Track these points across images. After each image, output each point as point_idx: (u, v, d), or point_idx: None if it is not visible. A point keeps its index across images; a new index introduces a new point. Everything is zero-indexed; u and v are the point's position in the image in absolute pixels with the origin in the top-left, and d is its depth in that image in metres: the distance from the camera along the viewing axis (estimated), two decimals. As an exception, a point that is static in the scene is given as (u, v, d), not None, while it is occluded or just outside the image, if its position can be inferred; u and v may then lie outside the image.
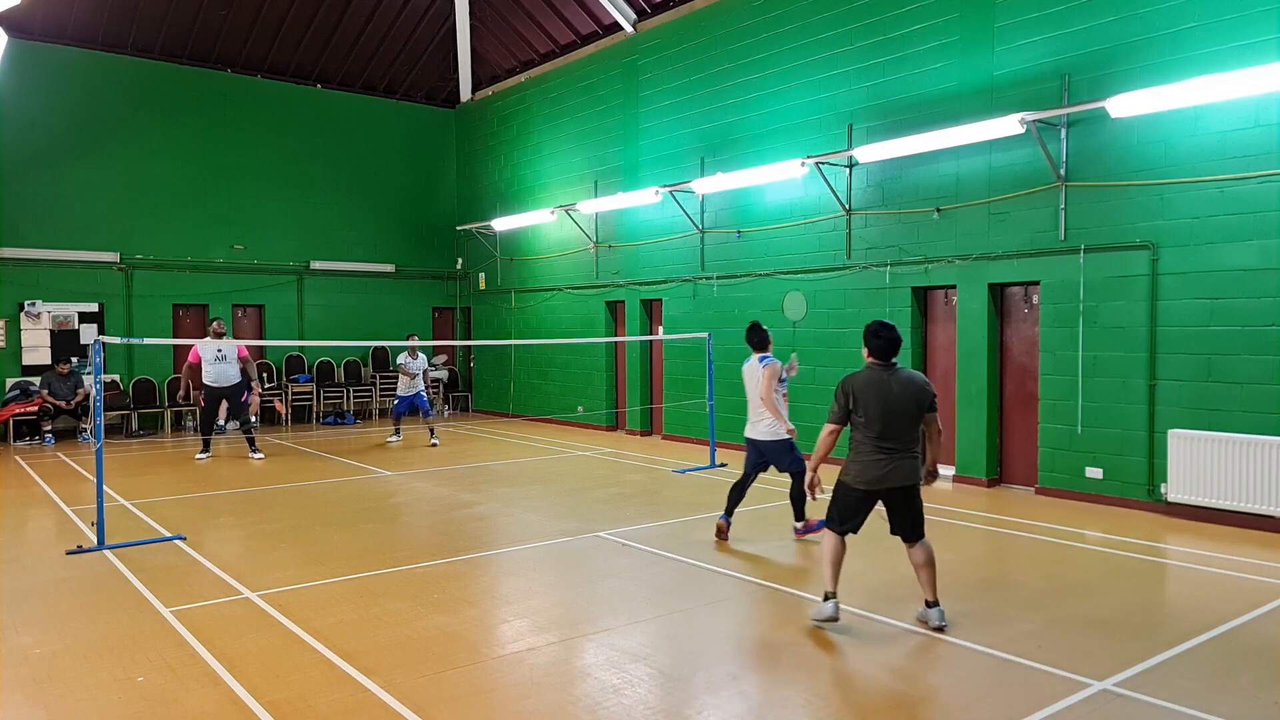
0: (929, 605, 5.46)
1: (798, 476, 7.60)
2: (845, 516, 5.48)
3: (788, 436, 7.52)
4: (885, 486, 5.37)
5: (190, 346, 13.00)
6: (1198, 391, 8.40)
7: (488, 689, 4.62)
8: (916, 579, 5.54)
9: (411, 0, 17.40)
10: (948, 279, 10.49)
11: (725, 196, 13.16)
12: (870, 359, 5.42)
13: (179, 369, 16.33)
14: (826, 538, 5.54)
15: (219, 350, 12.49)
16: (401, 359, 14.20)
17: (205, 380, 12.54)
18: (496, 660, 5.02)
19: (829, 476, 5.79)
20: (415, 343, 14.11)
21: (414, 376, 14.17)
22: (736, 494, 7.75)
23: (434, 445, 13.84)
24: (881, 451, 5.30)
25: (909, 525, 5.50)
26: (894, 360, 5.41)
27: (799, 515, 7.69)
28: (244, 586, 6.37)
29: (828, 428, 5.40)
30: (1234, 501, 8.07)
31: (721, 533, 7.66)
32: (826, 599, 5.44)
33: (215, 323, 12.75)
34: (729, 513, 7.72)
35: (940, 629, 5.36)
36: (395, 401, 14.75)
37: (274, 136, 17.65)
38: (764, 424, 7.56)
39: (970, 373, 10.31)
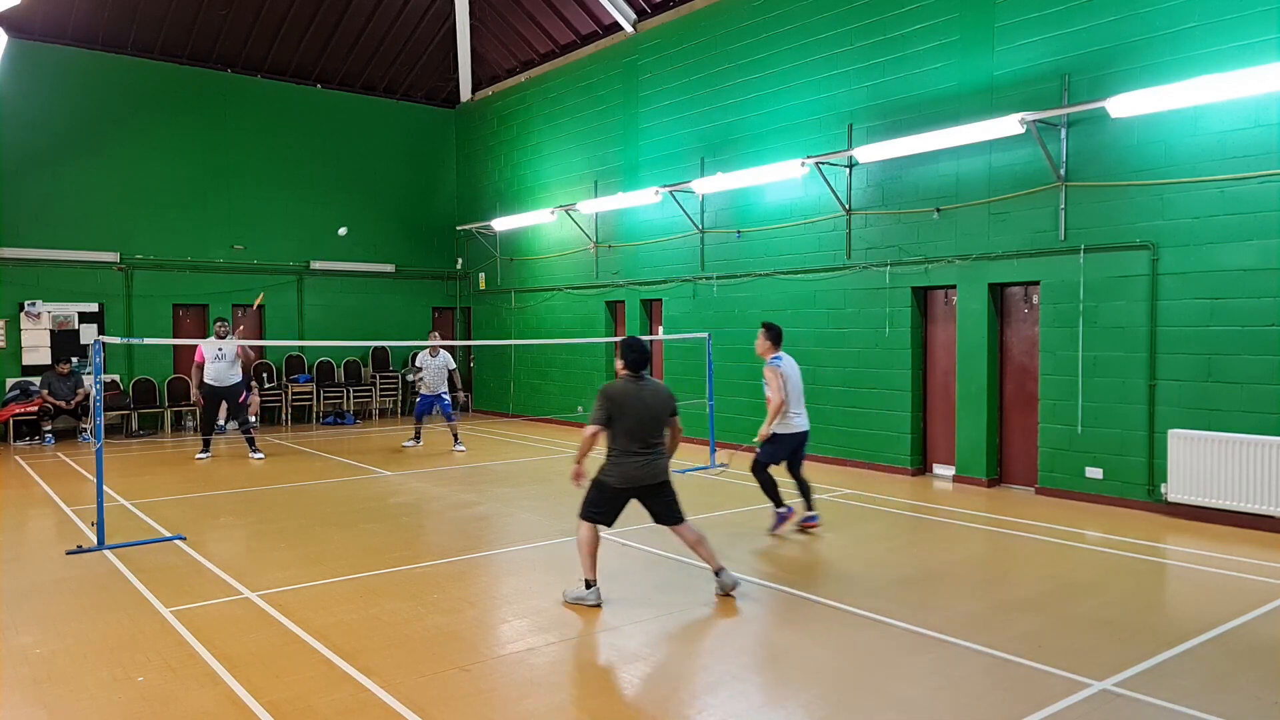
0: (719, 573, 6.10)
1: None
2: (601, 508, 6.00)
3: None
4: (640, 485, 5.94)
5: (195, 346, 12.96)
6: (1198, 391, 8.40)
7: (488, 689, 4.62)
8: (698, 556, 6.22)
9: (411, 0, 17.41)
10: (948, 279, 10.49)
11: (725, 196, 13.16)
12: (624, 371, 6.01)
13: (180, 369, 16.39)
14: (582, 528, 5.99)
15: (219, 349, 12.51)
16: (420, 357, 13.41)
17: (206, 379, 12.56)
18: (496, 660, 5.02)
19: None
20: (436, 340, 12.98)
21: (427, 376, 13.24)
22: (802, 487, 8.16)
23: (459, 451, 13.08)
24: (637, 454, 5.88)
25: (666, 513, 6.11)
26: (643, 372, 6.04)
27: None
28: (244, 586, 6.38)
29: (591, 428, 5.91)
30: (1234, 501, 8.07)
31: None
32: (589, 586, 5.88)
33: (218, 323, 12.80)
34: (809, 505, 8.10)
35: (735, 585, 6.07)
36: (417, 400, 13.65)
37: (274, 136, 17.65)
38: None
39: (970, 373, 10.31)
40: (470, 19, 18.08)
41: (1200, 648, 5.09)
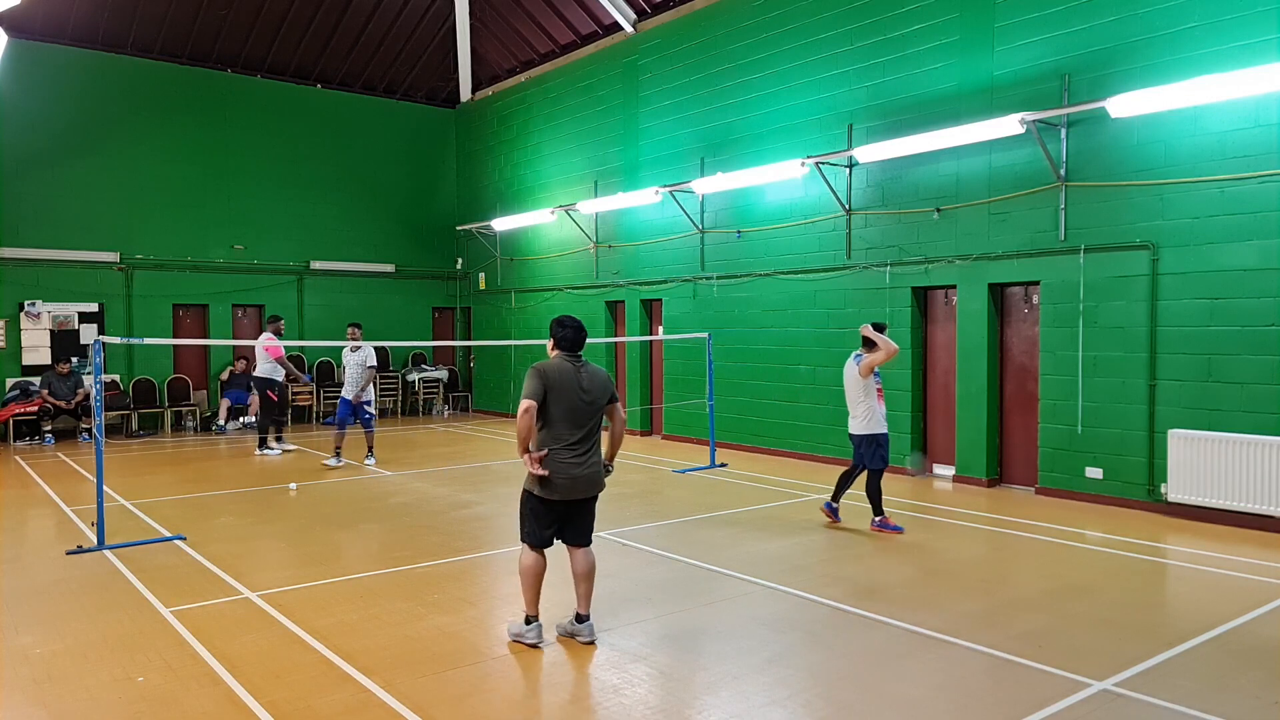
0: (580, 620, 5.25)
1: (876, 474, 8.09)
2: (541, 527, 5.18)
3: (880, 431, 8.04)
4: (575, 497, 5.15)
5: (272, 346, 12.60)
6: (1198, 391, 8.40)
7: (488, 689, 4.62)
8: (574, 590, 5.32)
9: (411, 0, 17.41)
10: (948, 279, 10.49)
11: (725, 196, 13.16)
12: (556, 350, 5.24)
13: (180, 369, 16.41)
14: (524, 554, 5.21)
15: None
16: (344, 353, 12.03)
17: (276, 377, 12.70)
18: (496, 660, 5.02)
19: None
20: (355, 336, 11.80)
21: (348, 372, 11.76)
22: (845, 481, 8.31)
23: (369, 464, 11.72)
24: (572, 452, 5.11)
25: (581, 532, 5.30)
26: (580, 354, 5.29)
27: (877, 510, 8.12)
28: (244, 586, 6.37)
29: (526, 403, 4.98)
30: (1234, 501, 8.07)
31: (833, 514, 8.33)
32: (528, 622, 5.17)
33: (279, 321, 13.01)
34: (836, 498, 8.31)
35: (592, 641, 5.21)
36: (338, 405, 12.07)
37: (274, 136, 17.64)
38: (858, 420, 8.07)
39: (970, 373, 10.31)
40: (470, 19, 18.08)
41: (1200, 648, 5.09)
